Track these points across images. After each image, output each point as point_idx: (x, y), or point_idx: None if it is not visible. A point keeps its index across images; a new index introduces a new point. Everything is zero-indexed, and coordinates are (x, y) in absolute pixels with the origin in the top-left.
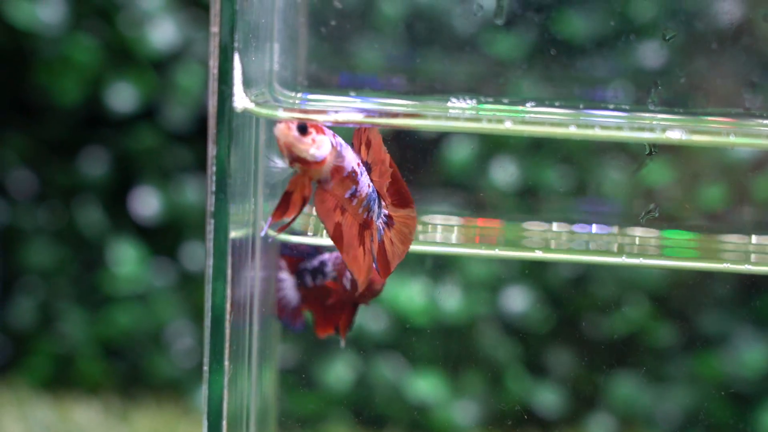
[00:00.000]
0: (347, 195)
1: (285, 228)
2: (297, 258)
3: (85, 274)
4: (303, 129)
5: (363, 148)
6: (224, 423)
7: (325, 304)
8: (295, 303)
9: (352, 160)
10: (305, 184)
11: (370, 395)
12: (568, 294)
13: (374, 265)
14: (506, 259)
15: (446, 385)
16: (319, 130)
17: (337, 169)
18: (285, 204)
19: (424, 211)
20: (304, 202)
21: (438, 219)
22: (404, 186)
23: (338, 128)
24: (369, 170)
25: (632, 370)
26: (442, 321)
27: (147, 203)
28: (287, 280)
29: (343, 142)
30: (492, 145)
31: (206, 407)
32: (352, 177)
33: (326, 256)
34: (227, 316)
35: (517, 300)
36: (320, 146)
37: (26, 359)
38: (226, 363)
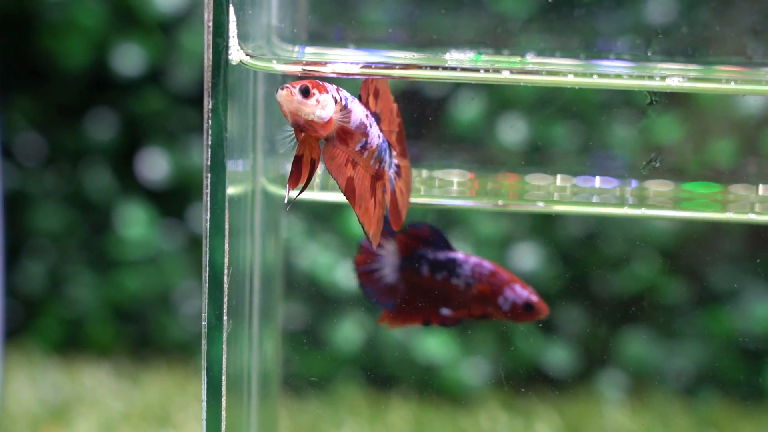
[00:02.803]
0: (357, 148)
1: (301, 191)
2: (415, 240)
3: (94, 237)
4: (305, 91)
5: (371, 98)
6: (224, 378)
7: (429, 300)
8: (391, 282)
9: (359, 112)
10: (313, 144)
11: (378, 355)
12: (577, 251)
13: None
14: (514, 217)
15: (456, 344)
16: (321, 89)
17: (345, 123)
18: (297, 169)
19: (431, 167)
20: (315, 162)
21: (444, 174)
22: (404, 135)
23: (344, 81)
24: (378, 120)
25: (642, 327)
26: None
27: (155, 166)
28: (389, 257)
29: (348, 95)
30: (497, 100)
31: (205, 362)
32: (362, 129)
33: (460, 255)
34: (226, 271)
35: (526, 257)
36: (325, 106)
37: (36, 323)
38: (225, 318)
